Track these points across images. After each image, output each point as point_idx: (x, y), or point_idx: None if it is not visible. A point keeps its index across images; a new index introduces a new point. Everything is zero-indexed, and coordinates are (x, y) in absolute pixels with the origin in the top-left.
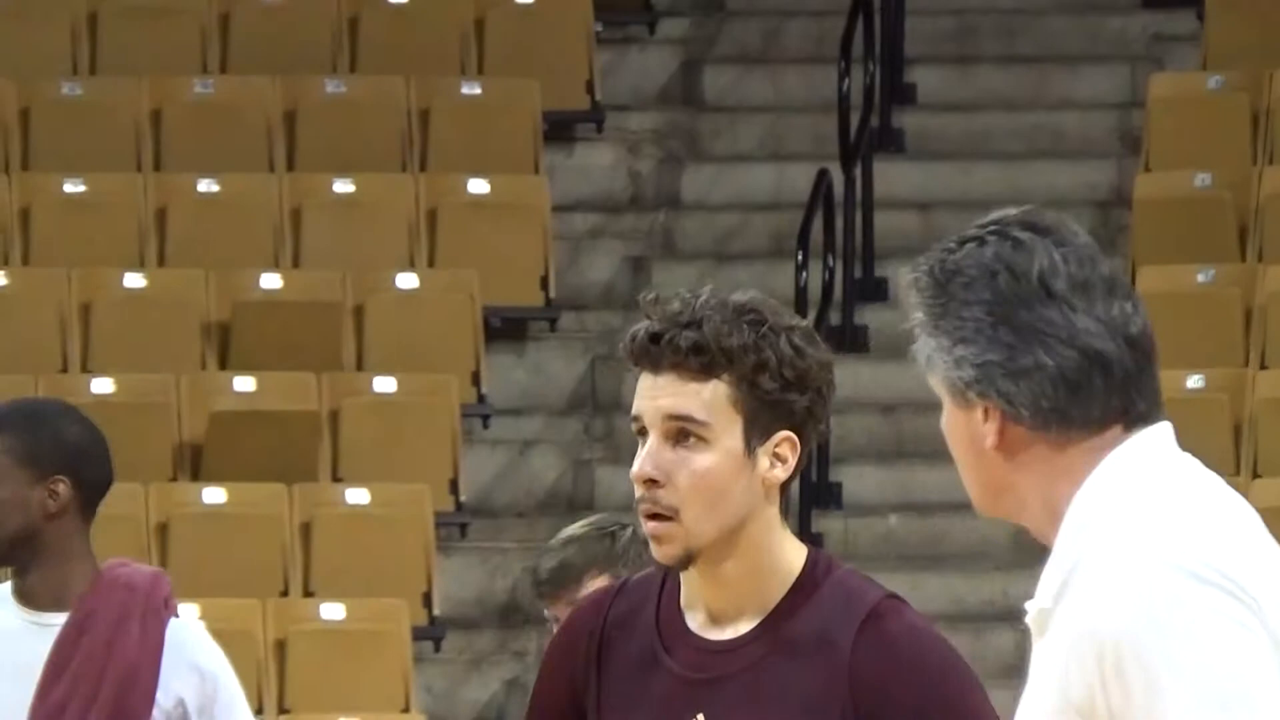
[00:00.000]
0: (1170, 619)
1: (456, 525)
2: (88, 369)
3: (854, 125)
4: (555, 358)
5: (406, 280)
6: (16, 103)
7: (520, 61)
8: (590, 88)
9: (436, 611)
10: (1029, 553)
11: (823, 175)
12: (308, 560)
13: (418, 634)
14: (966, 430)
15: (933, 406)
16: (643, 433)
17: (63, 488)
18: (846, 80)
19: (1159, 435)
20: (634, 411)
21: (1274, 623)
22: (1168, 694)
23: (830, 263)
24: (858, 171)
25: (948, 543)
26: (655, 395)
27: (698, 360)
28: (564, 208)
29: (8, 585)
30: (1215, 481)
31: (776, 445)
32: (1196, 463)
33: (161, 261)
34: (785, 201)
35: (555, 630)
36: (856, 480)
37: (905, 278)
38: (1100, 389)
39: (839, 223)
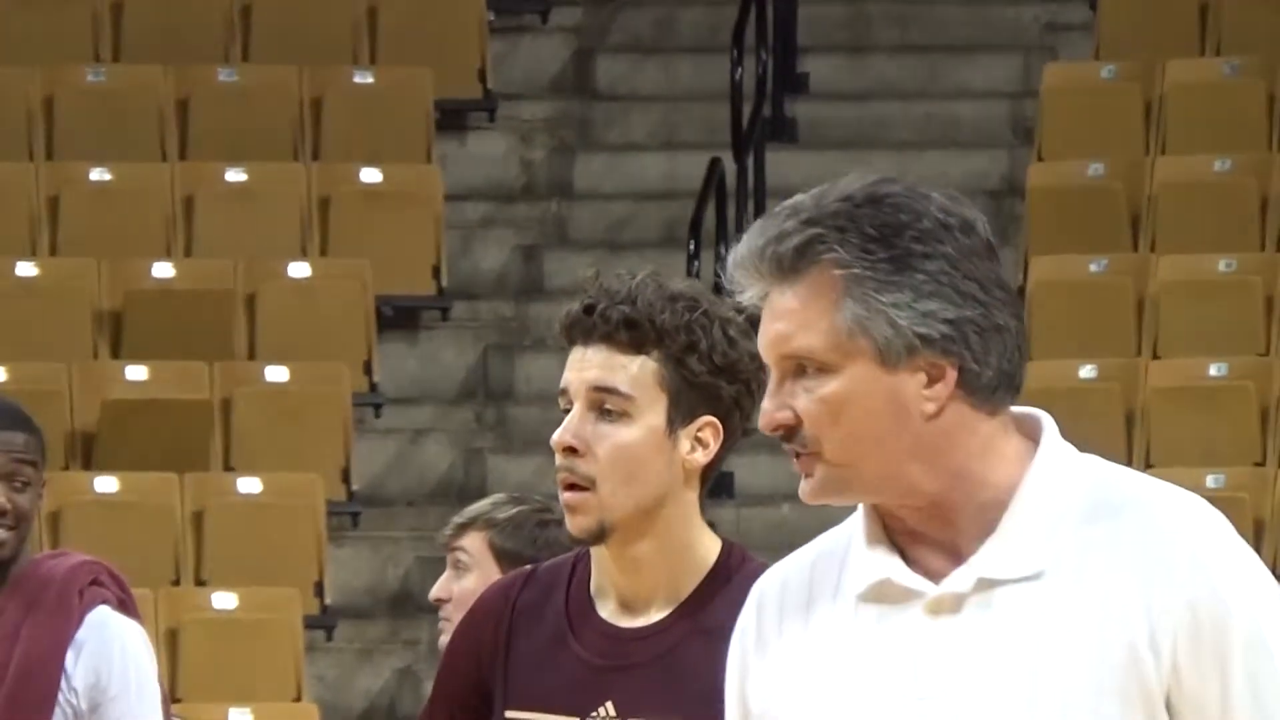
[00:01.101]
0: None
1: (348, 514)
2: None
3: (746, 114)
4: (447, 347)
5: (298, 269)
6: None
7: (412, 50)
8: (483, 76)
9: (328, 600)
10: None
11: (715, 164)
12: (200, 549)
13: (309, 623)
14: (891, 396)
15: None
16: (568, 405)
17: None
18: (739, 69)
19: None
20: (562, 384)
21: None
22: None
23: (722, 252)
24: (750, 161)
25: None
26: (583, 367)
27: (628, 334)
28: (456, 197)
29: None
30: None
31: (699, 429)
32: None
33: (53, 250)
34: (678, 190)
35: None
36: (749, 470)
37: (802, 234)
38: (1020, 354)
39: (731, 212)
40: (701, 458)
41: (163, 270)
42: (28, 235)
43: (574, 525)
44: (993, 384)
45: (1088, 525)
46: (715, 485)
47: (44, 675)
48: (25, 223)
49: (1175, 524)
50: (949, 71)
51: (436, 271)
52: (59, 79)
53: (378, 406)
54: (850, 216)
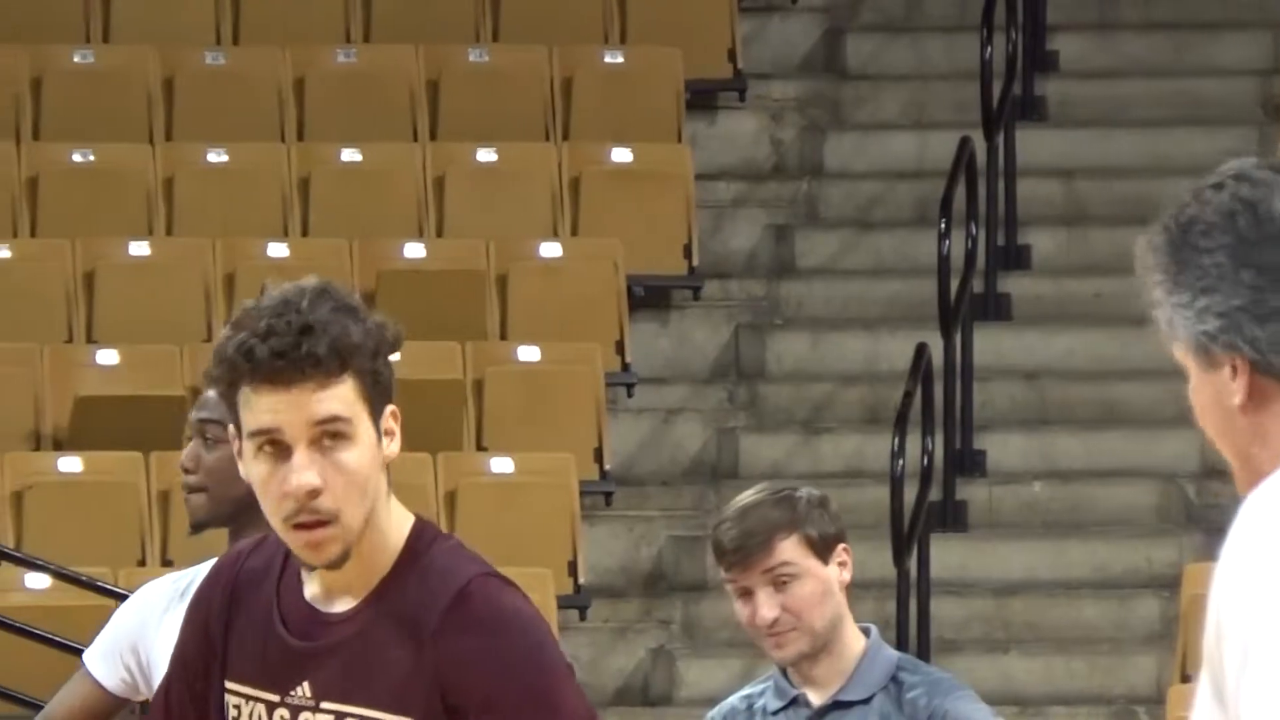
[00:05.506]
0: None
1: (601, 494)
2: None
3: (996, 93)
4: (699, 326)
5: (550, 249)
6: (160, 72)
7: (663, 30)
8: (733, 56)
9: (582, 580)
10: (1173, 520)
11: (965, 143)
12: (453, 528)
13: (563, 602)
14: (1213, 394)
15: (1075, 374)
16: (275, 445)
17: None
18: (988, 48)
19: None
20: (264, 426)
21: None
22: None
23: (973, 230)
24: (1000, 139)
25: (1091, 510)
26: (296, 407)
27: (335, 362)
28: (707, 176)
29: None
30: None
31: (386, 421)
32: None
33: (305, 231)
34: (928, 169)
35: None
36: (1000, 448)
37: (1140, 243)
38: None
39: (981, 190)
40: (395, 447)
41: (414, 250)
42: (280, 217)
43: (320, 558)
44: None
45: None
46: (967, 463)
47: None
48: (278, 205)
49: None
50: (1197, 49)
51: (688, 251)
52: (309, 60)
53: (630, 386)
54: (1165, 220)
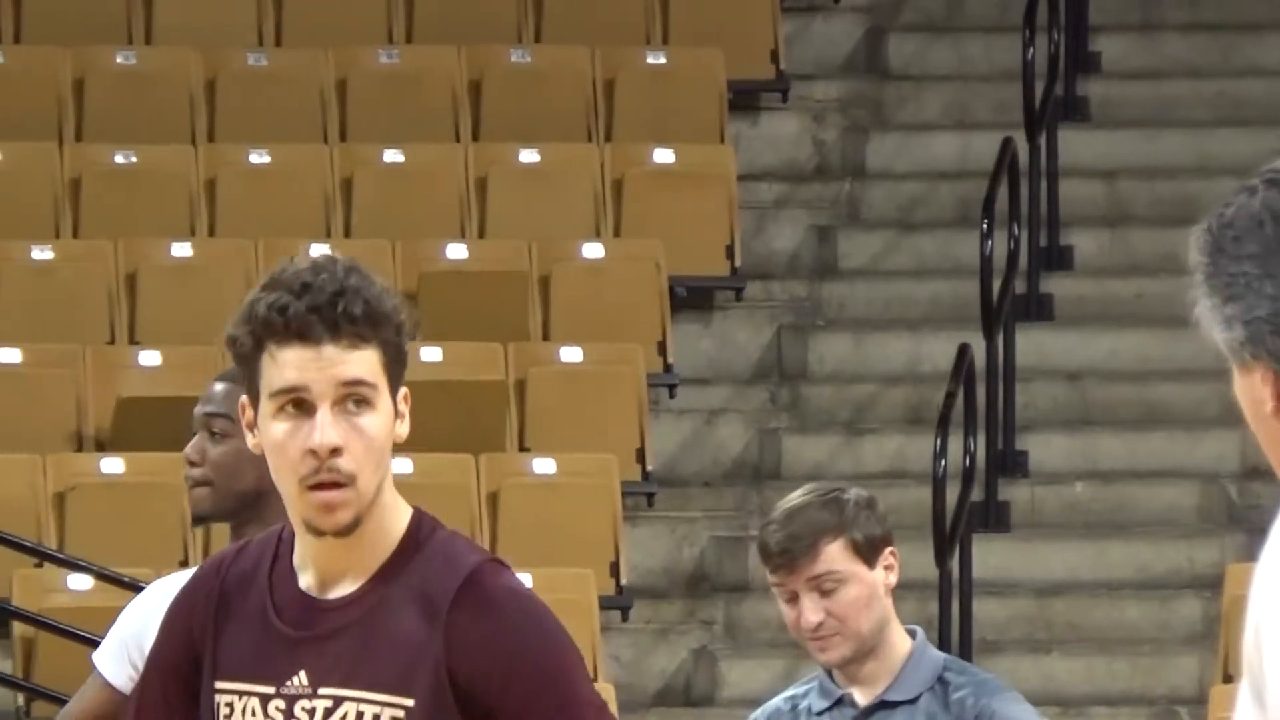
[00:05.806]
0: None
1: (643, 495)
2: None
3: (1038, 93)
4: (741, 327)
5: (592, 250)
6: (203, 73)
7: (705, 31)
8: (775, 57)
9: (624, 581)
10: (1215, 520)
11: (1007, 144)
12: (494, 530)
13: (605, 603)
14: (1250, 397)
15: (1117, 374)
16: (298, 404)
17: None
18: (1031, 48)
19: None
20: (291, 383)
21: None
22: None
23: (1015, 231)
24: (1042, 140)
25: (1133, 510)
26: (324, 365)
27: (367, 326)
28: (749, 177)
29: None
30: None
31: (400, 401)
32: None
33: (347, 232)
34: (970, 170)
35: (781, 598)
36: (1043, 448)
37: (1189, 239)
38: None
39: (1024, 191)
40: (405, 428)
41: (456, 251)
42: (322, 218)
43: (332, 523)
44: None
45: None
46: (1009, 464)
47: None
48: (321, 206)
49: None
50: (1240, 50)
51: (730, 252)
52: (351, 61)
53: (672, 387)
54: (1209, 219)
